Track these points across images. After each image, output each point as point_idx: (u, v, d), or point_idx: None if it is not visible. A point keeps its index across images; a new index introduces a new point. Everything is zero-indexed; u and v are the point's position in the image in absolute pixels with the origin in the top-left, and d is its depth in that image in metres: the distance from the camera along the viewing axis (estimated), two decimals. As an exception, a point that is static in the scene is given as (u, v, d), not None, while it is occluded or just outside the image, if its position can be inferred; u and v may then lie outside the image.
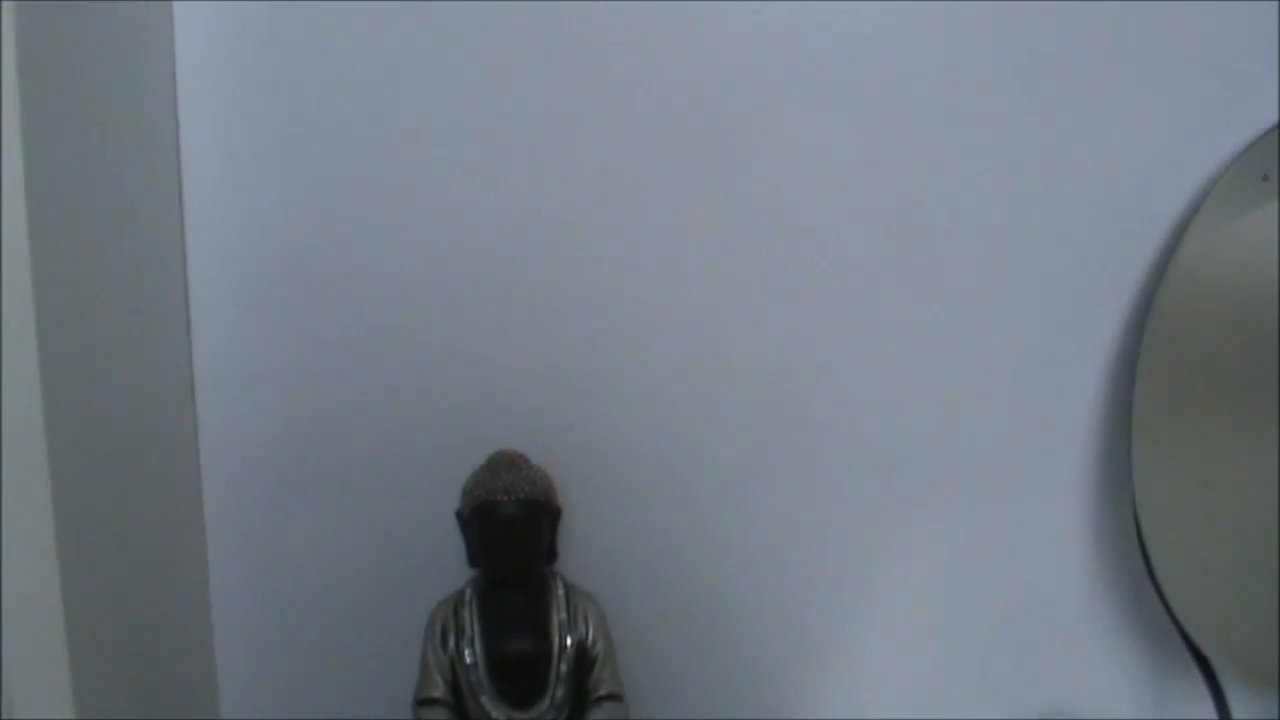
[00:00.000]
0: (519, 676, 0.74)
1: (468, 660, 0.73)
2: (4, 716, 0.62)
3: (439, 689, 0.74)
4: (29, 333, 0.58)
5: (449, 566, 0.79)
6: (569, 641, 0.74)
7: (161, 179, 0.75)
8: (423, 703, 0.75)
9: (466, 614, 0.75)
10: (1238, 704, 0.82)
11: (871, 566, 0.85)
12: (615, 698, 0.75)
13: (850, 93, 0.78)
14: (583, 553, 0.82)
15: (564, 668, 0.74)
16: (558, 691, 0.74)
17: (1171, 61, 0.79)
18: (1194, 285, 0.77)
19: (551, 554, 0.76)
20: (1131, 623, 0.86)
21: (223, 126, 0.77)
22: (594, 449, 0.81)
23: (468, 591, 0.75)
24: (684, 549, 0.83)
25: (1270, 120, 0.80)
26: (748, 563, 0.84)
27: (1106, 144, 0.80)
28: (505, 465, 0.75)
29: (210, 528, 0.81)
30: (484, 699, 0.73)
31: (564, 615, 0.75)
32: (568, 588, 0.76)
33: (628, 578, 0.83)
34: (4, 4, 0.55)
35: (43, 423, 0.59)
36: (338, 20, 0.76)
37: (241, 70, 0.76)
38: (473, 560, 0.76)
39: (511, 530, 0.73)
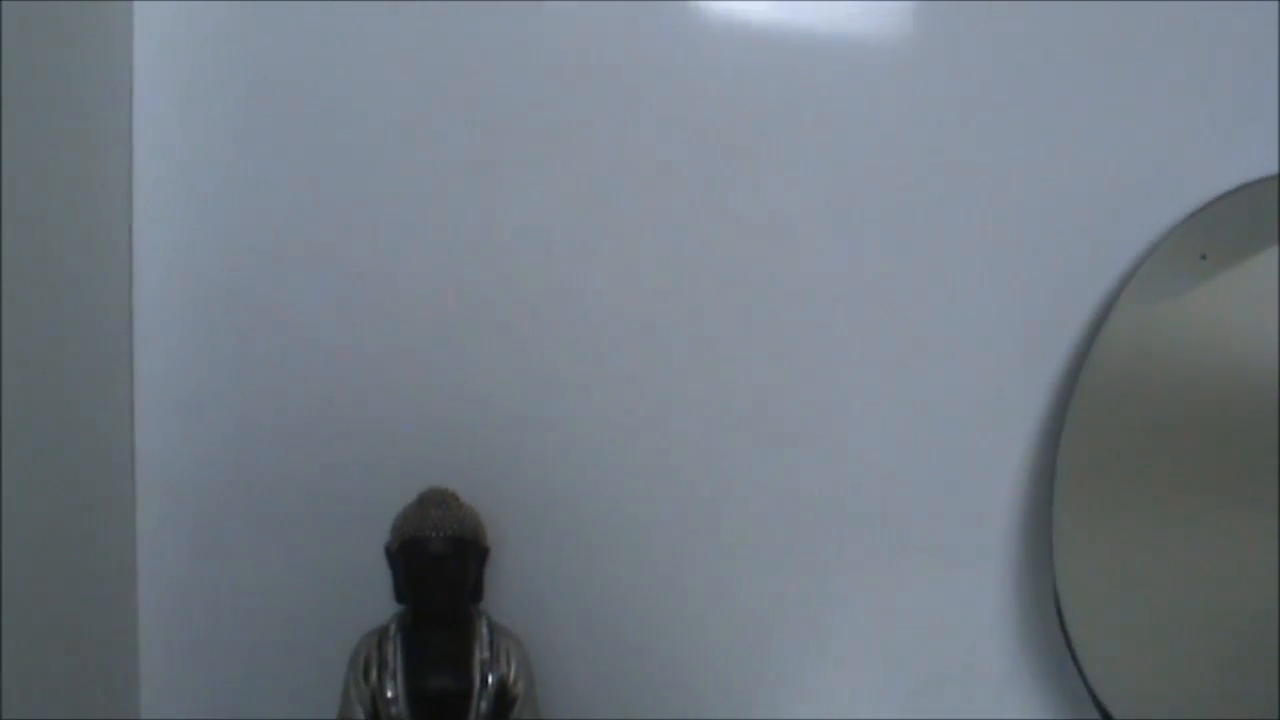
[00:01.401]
0: (439, 712, 0.74)
1: (389, 694, 0.74)
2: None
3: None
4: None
5: (378, 599, 0.79)
6: (490, 679, 0.75)
7: (112, 199, 0.76)
8: (341, 733, 0.75)
9: (390, 648, 0.75)
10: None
11: (797, 624, 0.85)
12: (533, 738, 0.76)
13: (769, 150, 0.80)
14: (510, 593, 0.83)
15: (484, 706, 0.74)
16: (477, 729, 0.74)
17: (1112, 134, 0.81)
18: (1122, 360, 0.79)
19: (477, 592, 0.77)
20: (1050, 693, 0.87)
21: (174, 152, 0.77)
22: (527, 490, 0.82)
23: (393, 626, 0.76)
24: (611, 594, 0.84)
25: (1206, 195, 0.81)
26: (672, 610, 0.85)
27: (1038, 220, 0.81)
28: (435, 502, 0.75)
29: (142, 549, 0.82)
30: (403, 733, 0.74)
31: (486, 654, 0.75)
32: (492, 627, 0.76)
33: (555, 619, 0.84)
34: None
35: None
36: (298, 34, 0.77)
37: (200, 87, 0.77)
38: (399, 595, 0.76)
39: (438, 567, 0.74)
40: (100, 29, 0.73)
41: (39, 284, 0.66)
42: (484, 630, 0.76)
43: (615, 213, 0.80)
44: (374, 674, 0.75)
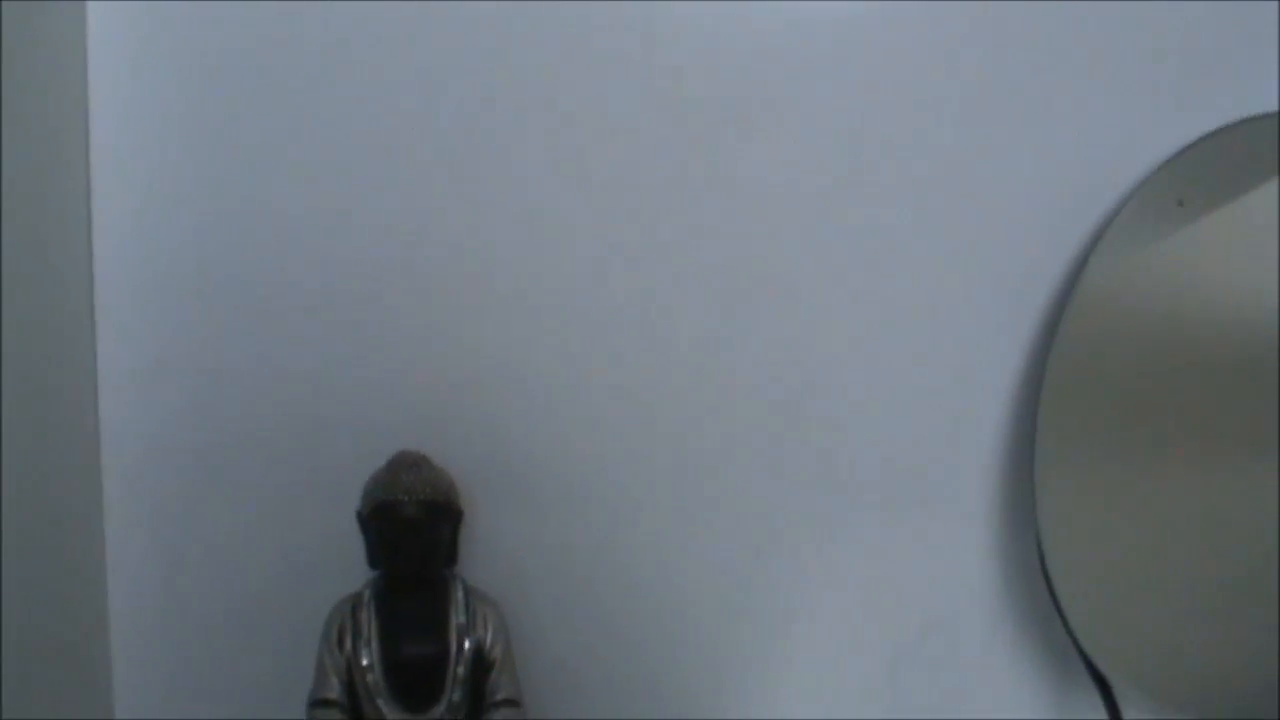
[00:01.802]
0: (415, 679, 0.73)
1: (364, 662, 0.73)
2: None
3: (334, 690, 0.73)
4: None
5: (349, 567, 0.78)
6: (467, 645, 0.74)
7: (68, 171, 0.75)
8: (318, 704, 0.73)
9: (364, 615, 0.74)
10: (1135, 725, 0.83)
11: (779, 581, 0.85)
12: (512, 703, 0.75)
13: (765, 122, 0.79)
14: (484, 557, 0.81)
15: (461, 671, 0.73)
16: (454, 695, 0.73)
17: (1081, 82, 0.80)
18: (1101, 310, 0.78)
19: (451, 556, 0.76)
20: (1034, 644, 0.86)
21: (131, 121, 0.76)
22: (498, 452, 0.81)
23: (366, 593, 0.74)
24: (587, 555, 0.83)
25: (1186, 137, 0.80)
26: (651, 569, 0.84)
27: (1012, 165, 0.80)
28: (406, 466, 0.74)
29: (109, 523, 0.80)
30: (380, 701, 0.72)
31: (462, 618, 0.74)
32: (467, 591, 0.75)
33: (530, 582, 0.83)
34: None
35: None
36: (248, 19, 0.75)
37: (152, 67, 0.76)
38: (372, 561, 0.75)
39: (411, 531, 0.73)
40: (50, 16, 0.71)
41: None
42: (459, 594, 0.75)
43: (594, 175, 0.79)
44: (348, 642, 0.73)
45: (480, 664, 0.75)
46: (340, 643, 0.74)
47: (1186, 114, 0.80)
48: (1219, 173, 0.80)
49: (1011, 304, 0.82)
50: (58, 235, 0.73)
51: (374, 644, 0.73)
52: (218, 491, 0.80)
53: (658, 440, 0.82)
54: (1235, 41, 0.81)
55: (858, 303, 0.81)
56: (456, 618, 0.74)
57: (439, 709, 0.73)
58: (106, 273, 0.77)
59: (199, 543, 0.81)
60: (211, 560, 0.81)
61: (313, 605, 0.77)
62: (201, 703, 0.83)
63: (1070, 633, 0.80)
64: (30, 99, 0.69)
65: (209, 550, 0.81)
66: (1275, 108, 0.81)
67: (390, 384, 0.80)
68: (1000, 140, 0.80)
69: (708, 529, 0.83)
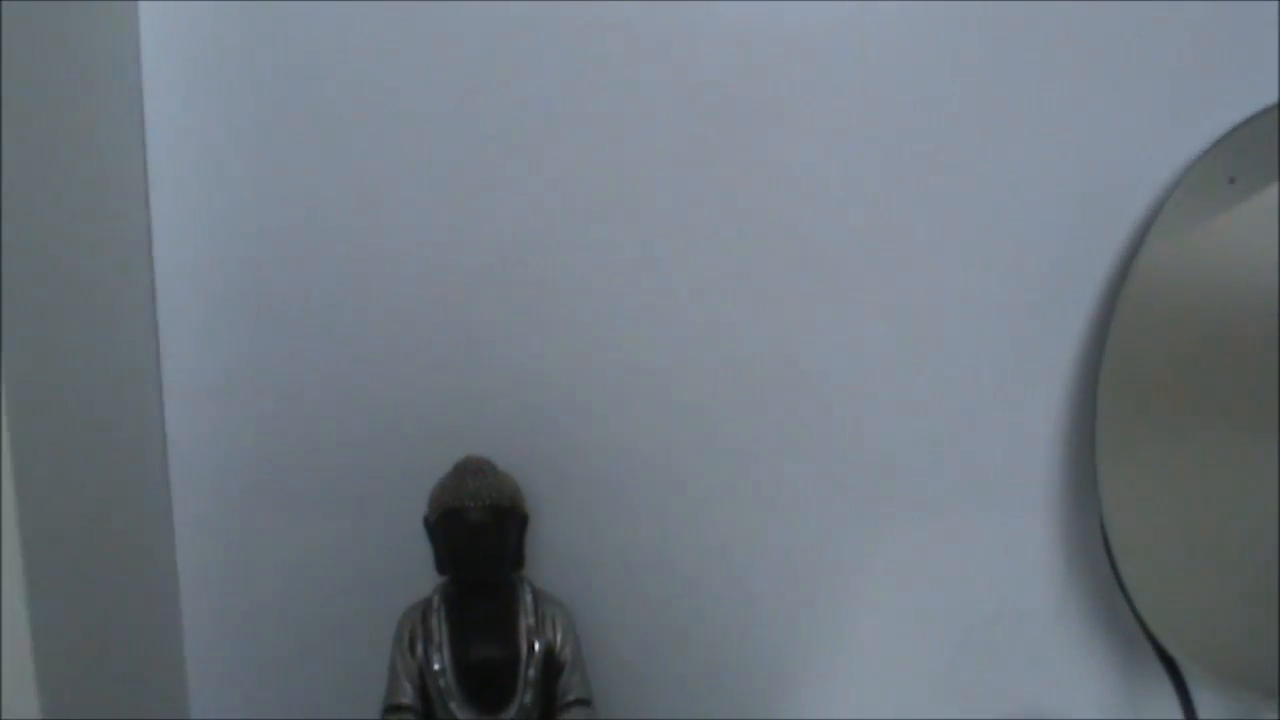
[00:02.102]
0: (487, 682, 0.74)
1: (436, 666, 0.73)
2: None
3: (407, 695, 0.74)
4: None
5: (418, 573, 0.79)
6: (537, 647, 0.74)
7: (129, 186, 0.75)
8: (391, 709, 0.75)
9: (434, 620, 0.74)
10: (1204, 706, 0.83)
11: (841, 575, 0.85)
12: (583, 703, 0.76)
13: (817, 105, 0.79)
14: (550, 559, 0.82)
15: (532, 673, 0.74)
16: (526, 697, 0.74)
17: (1131, 64, 0.79)
18: (1157, 291, 0.78)
19: (519, 560, 0.76)
20: (1099, 629, 0.86)
21: (190, 135, 0.77)
22: (561, 455, 0.81)
23: (435, 598, 0.75)
24: (651, 556, 0.84)
25: (1232, 119, 0.80)
26: (715, 569, 0.84)
27: (1067, 152, 0.80)
28: (472, 472, 0.75)
29: (180, 536, 0.82)
30: (452, 705, 0.73)
31: (531, 621, 0.75)
32: (535, 593, 0.76)
33: (595, 584, 0.83)
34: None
35: (7, 433, 0.59)
36: (308, 25, 0.76)
37: (210, 74, 0.76)
38: (441, 567, 0.76)
39: (478, 537, 0.73)
40: (106, 29, 0.72)
41: (64, 281, 0.66)
42: (527, 597, 0.75)
43: (642, 176, 0.79)
44: (420, 648, 0.74)
45: (551, 666, 0.75)
46: (412, 648, 0.75)
47: (1236, 92, 0.80)
48: (1270, 149, 0.79)
49: (1067, 288, 0.82)
50: (120, 256, 0.74)
51: (445, 649, 0.74)
52: (286, 504, 0.81)
53: (719, 440, 0.82)
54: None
55: (913, 294, 0.81)
56: (526, 620, 0.75)
57: (511, 711, 0.73)
58: (169, 291, 0.78)
59: (269, 554, 0.82)
60: (281, 571, 0.82)
61: (383, 612, 0.78)
62: (275, 711, 0.84)
63: (1137, 615, 0.79)
64: (87, 118, 0.69)
65: (279, 562, 0.82)
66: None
67: (453, 392, 0.80)
68: (1053, 124, 0.79)
69: (770, 527, 0.84)
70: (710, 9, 0.77)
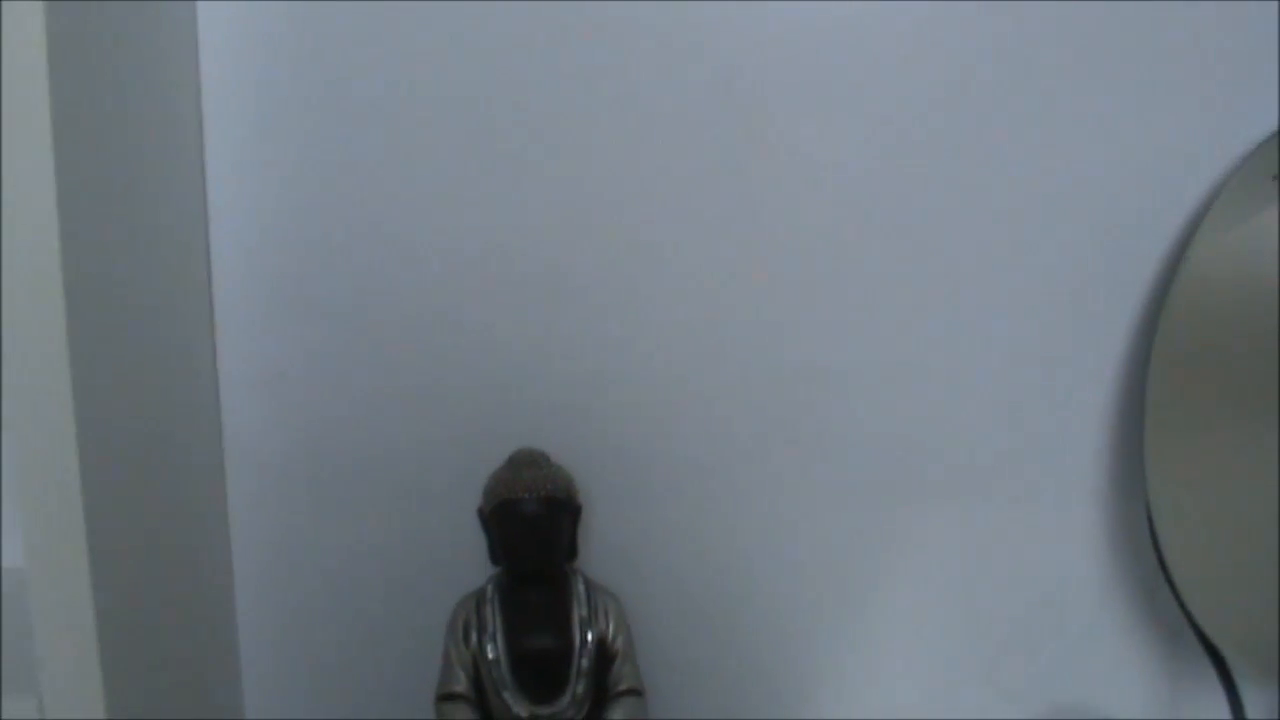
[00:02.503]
0: (540, 672, 0.74)
1: (490, 656, 0.74)
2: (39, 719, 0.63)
3: (461, 684, 0.75)
4: (59, 334, 0.59)
5: (471, 564, 0.80)
6: (589, 637, 0.75)
7: (185, 179, 0.76)
8: (445, 698, 0.75)
9: (488, 610, 0.75)
10: (1251, 700, 0.83)
11: (883, 567, 0.85)
12: (635, 693, 0.76)
13: (857, 91, 0.79)
14: (602, 550, 0.83)
15: (584, 663, 0.75)
16: (578, 687, 0.74)
17: (1177, 62, 0.79)
18: (1206, 283, 0.78)
19: (572, 551, 0.77)
20: (1144, 621, 0.87)
21: (245, 129, 0.78)
22: (614, 447, 0.82)
23: (489, 588, 0.76)
24: (702, 547, 0.84)
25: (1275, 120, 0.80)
26: (764, 559, 0.85)
27: (1116, 143, 0.80)
28: (526, 463, 0.76)
29: (234, 526, 0.83)
30: (506, 694, 0.74)
31: (584, 611, 0.76)
32: (588, 584, 0.77)
33: (646, 575, 0.84)
34: (35, 3, 0.56)
35: (74, 424, 0.60)
36: (364, 20, 0.77)
37: (265, 72, 0.77)
38: (494, 558, 0.77)
39: (532, 528, 0.74)
40: (164, 27, 0.73)
41: (124, 277, 0.67)
42: (580, 588, 0.76)
43: (690, 171, 0.79)
44: (474, 637, 0.75)
45: (603, 655, 0.76)
46: (466, 637, 0.75)
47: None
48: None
49: (1118, 277, 0.82)
50: (176, 249, 0.75)
51: (499, 638, 0.75)
52: (341, 494, 0.82)
53: (768, 427, 0.83)
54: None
55: (956, 279, 0.81)
56: (579, 611, 0.76)
57: (564, 700, 0.74)
58: (225, 284, 0.79)
59: (323, 544, 0.83)
60: (336, 560, 0.83)
61: (436, 602, 0.79)
62: (330, 701, 0.85)
63: (1184, 607, 0.80)
64: (147, 112, 0.70)
65: (334, 551, 0.83)
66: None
67: (505, 386, 0.81)
68: (1101, 119, 0.80)
69: (820, 515, 0.84)
70: (747, 7, 0.77)
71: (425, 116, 0.78)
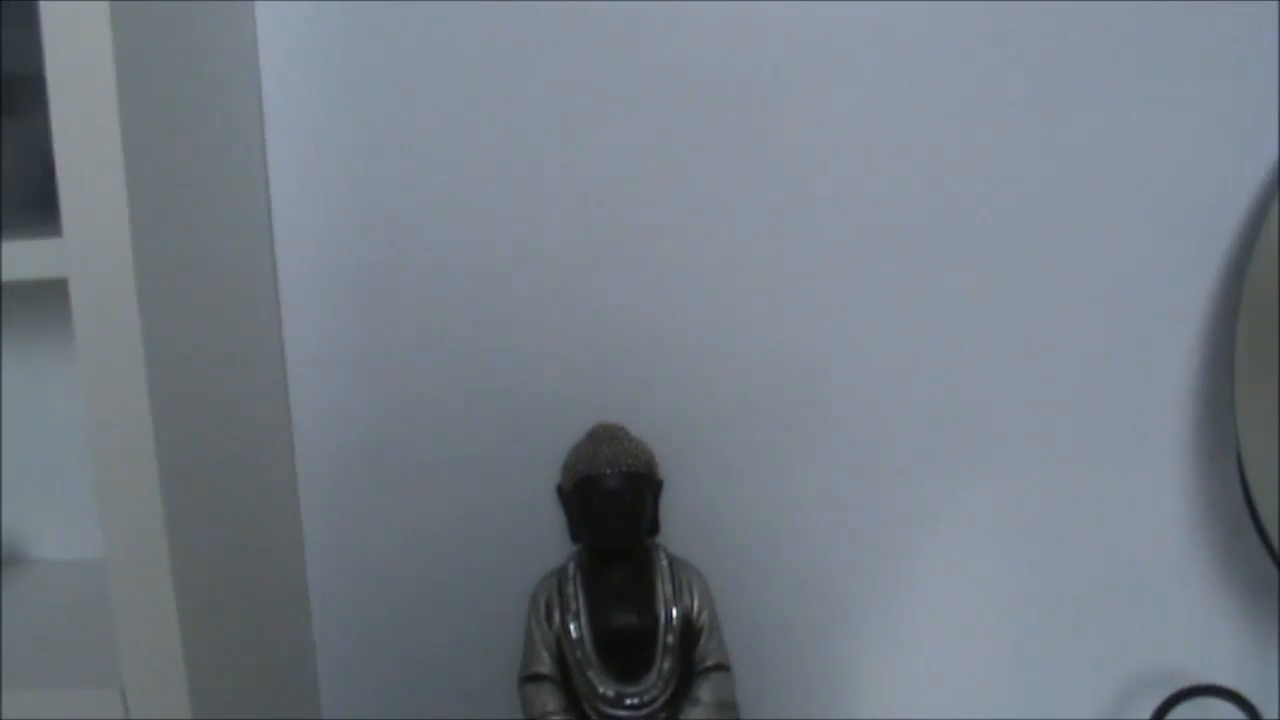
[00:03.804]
0: (625, 650, 0.73)
1: (574, 635, 0.73)
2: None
3: (545, 665, 0.74)
4: (134, 330, 0.58)
5: (548, 543, 0.79)
6: (674, 614, 0.74)
7: (249, 169, 0.75)
8: (529, 679, 0.74)
9: (571, 589, 0.74)
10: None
11: (966, 532, 0.84)
12: (722, 668, 0.75)
13: (920, 53, 0.77)
14: (684, 525, 0.81)
15: (670, 640, 0.73)
16: (665, 664, 0.73)
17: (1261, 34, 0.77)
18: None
19: (654, 526, 0.76)
20: (1230, 585, 0.85)
21: (306, 115, 0.77)
22: (693, 420, 0.81)
23: (571, 566, 0.75)
24: (784, 520, 0.83)
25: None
26: (842, 529, 0.83)
27: (1200, 106, 0.78)
28: (606, 438, 0.74)
29: (305, 511, 0.82)
30: (591, 674, 0.73)
31: (669, 587, 0.74)
32: (671, 560, 0.75)
33: (728, 549, 0.83)
34: (103, 3, 0.55)
35: (150, 418, 0.59)
36: (418, 21, 0.76)
37: (324, 58, 0.76)
38: (575, 535, 0.75)
39: (614, 503, 0.73)
40: (225, 23, 0.72)
41: (187, 264, 0.66)
42: (664, 563, 0.75)
43: (765, 147, 0.78)
44: (557, 616, 0.74)
45: (688, 632, 0.75)
46: (549, 617, 0.74)
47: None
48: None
49: (1202, 228, 0.79)
50: (242, 239, 0.74)
51: (583, 617, 0.73)
52: (414, 476, 0.81)
53: (841, 399, 0.81)
54: None
55: (1038, 231, 0.79)
56: (663, 587, 0.74)
57: (650, 678, 0.73)
58: (290, 270, 0.78)
59: (397, 527, 0.82)
60: (411, 543, 0.82)
61: (515, 582, 0.78)
62: (408, 686, 0.84)
63: (1278, 563, 0.78)
64: (212, 108, 0.69)
65: (408, 534, 0.82)
66: None
67: (577, 360, 0.80)
68: (1185, 82, 0.77)
69: (891, 484, 0.83)
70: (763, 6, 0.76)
71: (486, 94, 0.77)
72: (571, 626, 0.73)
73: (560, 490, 0.75)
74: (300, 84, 0.76)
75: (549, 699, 0.74)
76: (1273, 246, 0.76)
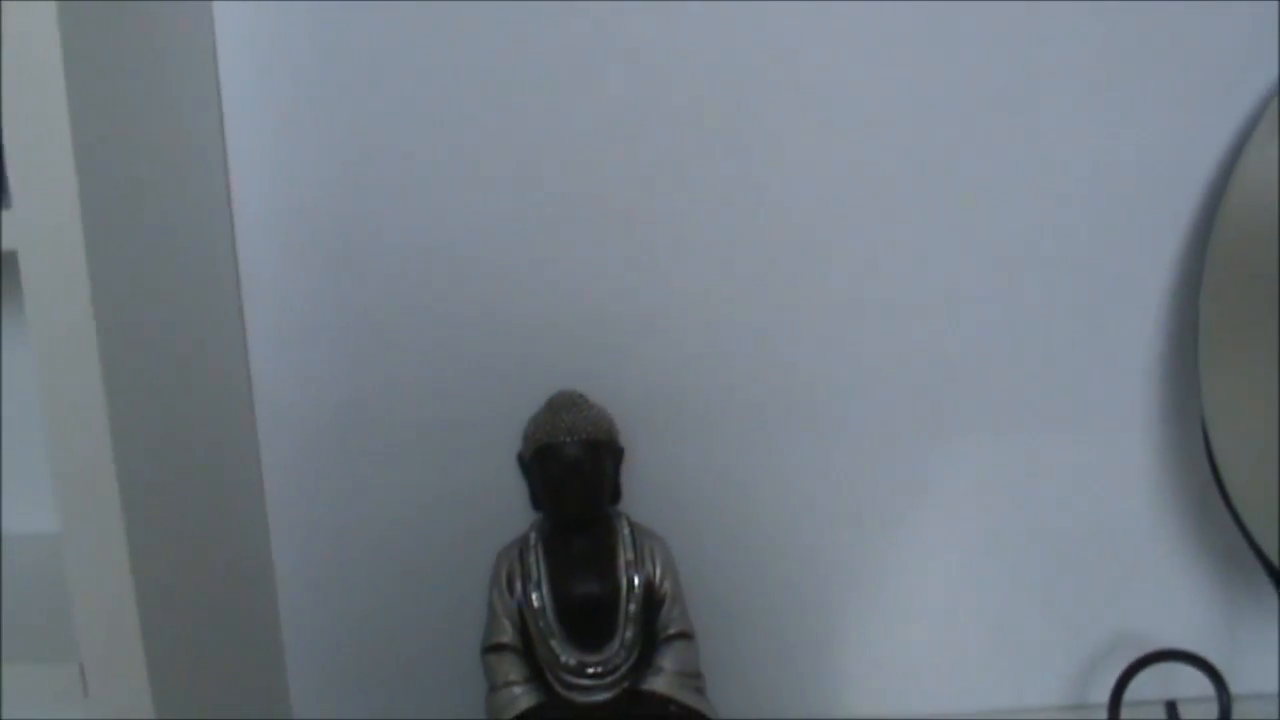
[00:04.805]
0: (588, 619, 0.73)
1: (535, 604, 0.73)
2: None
3: (508, 634, 0.74)
4: (85, 302, 0.58)
5: (511, 512, 0.79)
6: (636, 581, 0.74)
7: (204, 140, 0.74)
8: (491, 649, 0.74)
9: (532, 558, 0.74)
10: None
11: (932, 498, 0.84)
12: (685, 636, 0.75)
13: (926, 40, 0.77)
14: (646, 492, 0.81)
15: (632, 608, 0.73)
16: (627, 632, 0.73)
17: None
18: (1258, 197, 0.76)
19: (615, 494, 0.76)
20: (1198, 548, 0.85)
21: (266, 91, 0.76)
22: (652, 387, 0.80)
23: (532, 535, 0.74)
24: (747, 485, 0.83)
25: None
26: (809, 494, 0.83)
27: (1165, 61, 0.77)
28: (565, 406, 0.74)
29: (269, 484, 0.81)
30: (553, 643, 0.73)
31: (630, 555, 0.74)
32: (633, 527, 0.75)
33: (691, 516, 0.82)
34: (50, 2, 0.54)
35: (103, 389, 0.59)
36: None
37: (285, 37, 0.75)
38: (536, 504, 0.75)
39: (575, 471, 0.72)
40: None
41: (147, 241, 0.65)
42: (625, 531, 0.75)
43: (729, 115, 0.77)
44: (518, 586, 0.74)
45: (651, 600, 0.74)
46: (510, 587, 0.74)
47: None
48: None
49: (1164, 199, 0.79)
50: (199, 212, 0.73)
51: (544, 586, 0.73)
52: (375, 448, 0.81)
53: (804, 365, 0.81)
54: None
55: (1011, 209, 0.79)
56: (625, 555, 0.74)
57: (613, 647, 0.73)
58: (249, 242, 0.78)
59: (358, 497, 0.82)
60: (374, 515, 0.82)
61: (478, 553, 0.78)
62: (372, 657, 0.84)
63: (1241, 526, 0.78)
64: (158, 67, 0.68)
65: (371, 506, 0.82)
66: None
67: (538, 328, 0.79)
68: (1159, 31, 0.77)
69: (857, 452, 0.83)
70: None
71: (447, 64, 0.76)
72: (533, 596, 0.73)
73: (521, 459, 0.75)
74: (260, 55, 0.75)
75: (511, 669, 0.74)
76: (1233, 217, 0.76)
